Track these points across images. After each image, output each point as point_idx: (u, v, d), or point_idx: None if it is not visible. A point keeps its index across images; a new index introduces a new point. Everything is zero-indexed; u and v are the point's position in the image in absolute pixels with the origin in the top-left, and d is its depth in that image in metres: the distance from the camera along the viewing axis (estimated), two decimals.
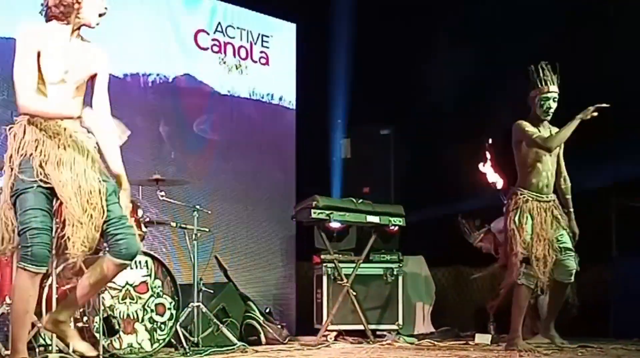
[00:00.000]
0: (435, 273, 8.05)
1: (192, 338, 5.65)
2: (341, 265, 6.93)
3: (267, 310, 6.91)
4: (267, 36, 8.16)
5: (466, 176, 7.10)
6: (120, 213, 3.75)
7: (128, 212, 3.80)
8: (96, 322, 4.80)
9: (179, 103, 7.35)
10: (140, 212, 5.35)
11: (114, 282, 4.80)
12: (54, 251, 3.71)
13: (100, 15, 3.82)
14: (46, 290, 4.56)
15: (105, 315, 4.88)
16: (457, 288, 8.42)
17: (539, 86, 5.65)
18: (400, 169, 7.96)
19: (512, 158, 5.79)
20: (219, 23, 7.79)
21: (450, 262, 8.35)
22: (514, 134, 5.71)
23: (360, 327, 6.90)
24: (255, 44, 8.05)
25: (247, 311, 6.56)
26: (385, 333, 7.11)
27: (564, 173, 5.84)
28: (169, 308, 5.39)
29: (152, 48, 7.16)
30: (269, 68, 8.14)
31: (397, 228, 7.20)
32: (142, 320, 5.26)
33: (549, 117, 5.67)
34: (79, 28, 3.81)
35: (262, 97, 8.09)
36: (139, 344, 5.20)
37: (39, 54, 3.68)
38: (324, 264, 7.09)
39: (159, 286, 5.36)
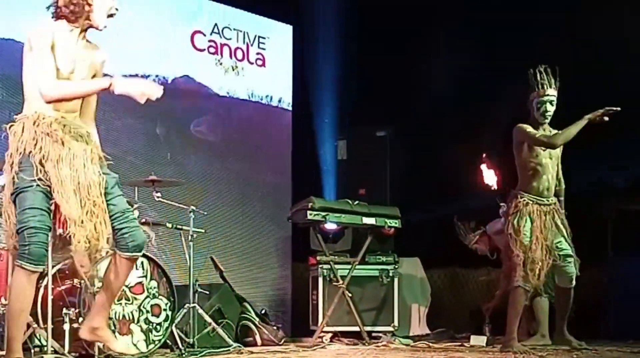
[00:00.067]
0: (431, 275, 8.04)
1: (187, 339, 5.64)
2: (337, 266, 6.93)
3: (263, 311, 6.91)
4: (264, 38, 8.16)
5: (462, 178, 7.11)
6: (124, 206, 3.77)
7: (139, 87, 3.75)
8: None
9: (176, 104, 7.34)
10: (136, 213, 5.34)
11: None
12: (51, 249, 3.72)
13: (109, 16, 3.84)
14: (41, 290, 4.56)
15: None
16: (452, 289, 8.43)
17: (536, 89, 5.67)
18: (396, 171, 7.97)
19: (509, 160, 5.80)
20: (216, 24, 7.80)
21: (446, 264, 8.36)
22: (515, 137, 5.71)
23: (356, 329, 6.90)
24: (251, 45, 8.06)
25: (242, 313, 6.56)
26: (380, 334, 7.10)
27: (560, 174, 5.85)
28: (165, 309, 5.38)
29: (150, 49, 7.16)
30: (265, 70, 8.14)
31: (392, 229, 7.22)
32: (138, 321, 5.25)
33: (547, 121, 5.68)
34: (86, 30, 3.83)
35: (259, 99, 8.09)
36: (135, 345, 5.19)
37: (52, 48, 3.70)
38: (320, 265, 7.09)
39: (154, 287, 5.36)
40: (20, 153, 3.65)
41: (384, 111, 8.22)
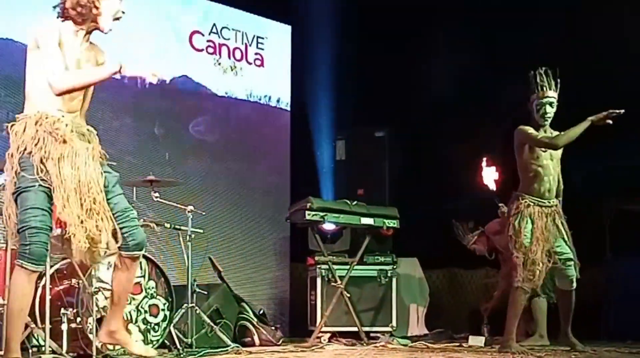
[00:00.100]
0: (430, 275, 8.04)
1: (185, 340, 5.63)
2: (335, 266, 6.93)
3: (261, 312, 6.90)
4: (262, 38, 8.16)
5: (461, 178, 7.10)
6: (124, 205, 3.78)
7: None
8: (90, 323, 4.79)
9: (175, 104, 7.34)
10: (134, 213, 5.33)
11: (107, 283, 4.79)
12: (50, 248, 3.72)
13: (115, 19, 3.84)
14: (40, 290, 4.56)
15: (98, 316, 4.86)
16: (451, 290, 8.43)
17: (536, 91, 5.67)
18: (395, 171, 7.96)
19: (509, 160, 5.79)
20: (214, 24, 7.79)
21: (444, 264, 8.36)
22: (516, 138, 5.70)
23: (354, 329, 6.90)
24: (250, 45, 8.06)
25: (240, 313, 6.55)
26: (378, 335, 7.09)
27: (559, 175, 5.84)
28: (163, 309, 5.38)
29: (150, 49, 7.15)
30: (263, 70, 8.14)
31: (391, 230, 7.21)
32: (136, 321, 5.25)
33: (547, 122, 5.66)
34: (91, 32, 3.84)
35: (258, 99, 8.09)
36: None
37: (59, 45, 3.72)
38: (318, 266, 7.08)
39: (152, 288, 5.35)
40: (21, 152, 3.66)
41: (383, 111, 8.21)
